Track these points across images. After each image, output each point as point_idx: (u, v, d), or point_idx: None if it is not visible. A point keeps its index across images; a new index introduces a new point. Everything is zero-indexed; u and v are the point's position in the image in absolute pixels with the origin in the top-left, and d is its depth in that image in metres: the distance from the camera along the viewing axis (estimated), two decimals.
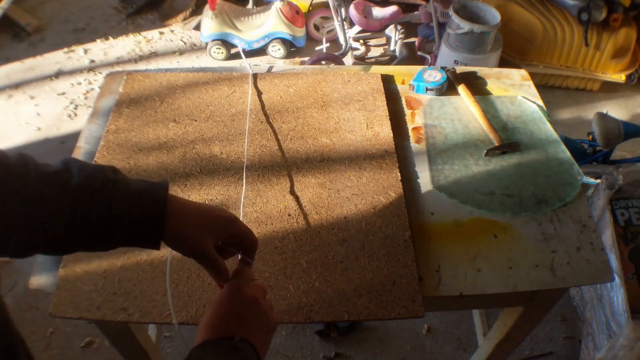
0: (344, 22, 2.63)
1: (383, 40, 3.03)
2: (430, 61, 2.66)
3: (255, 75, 1.25)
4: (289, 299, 0.85)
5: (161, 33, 3.04)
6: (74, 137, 1.34)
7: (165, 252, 0.83)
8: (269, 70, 1.29)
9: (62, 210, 0.52)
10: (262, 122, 1.15)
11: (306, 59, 2.73)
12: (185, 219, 0.59)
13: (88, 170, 0.55)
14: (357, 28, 2.76)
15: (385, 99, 1.21)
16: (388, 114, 1.18)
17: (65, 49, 2.90)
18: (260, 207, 0.98)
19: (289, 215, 0.97)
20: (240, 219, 0.93)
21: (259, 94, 1.21)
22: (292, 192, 1.01)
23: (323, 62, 2.54)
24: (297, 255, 0.91)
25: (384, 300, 0.85)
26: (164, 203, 0.57)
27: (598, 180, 1.33)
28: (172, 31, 3.06)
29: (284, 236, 0.94)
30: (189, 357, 0.54)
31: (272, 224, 0.95)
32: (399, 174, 1.05)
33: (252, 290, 0.63)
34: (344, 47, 2.64)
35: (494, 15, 2.37)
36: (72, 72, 2.76)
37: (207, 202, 0.98)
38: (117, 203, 0.55)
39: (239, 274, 0.65)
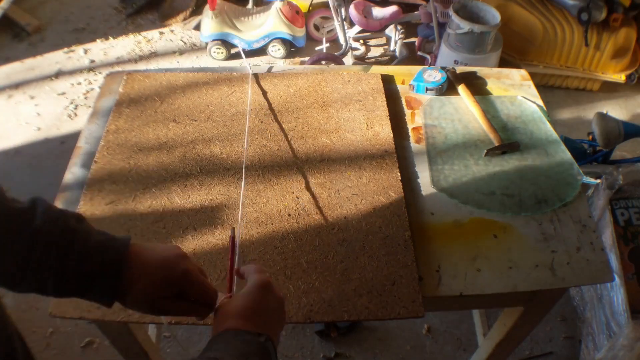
0: (344, 22, 2.63)
1: (383, 40, 3.03)
2: (430, 61, 2.66)
3: (255, 75, 1.25)
4: (289, 299, 0.85)
5: (161, 33, 3.04)
6: (74, 137, 1.34)
7: None
8: (269, 70, 1.29)
9: (18, 250, 0.52)
10: (262, 122, 1.15)
11: (306, 59, 2.73)
12: (142, 281, 0.56)
13: (51, 215, 0.54)
14: (357, 28, 2.75)
15: (385, 99, 1.21)
16: (388, 114, 1.18)
17: (65, 49, 2.89)
18: (260, 207, 0.98)
19: (289, 215, 0.97)
20: (239, 221, 0.94)
21: (259, 94, 1.21)
22: (292, 192, 1.01)
23: (323, 62, 2.53)
24: (297, 255, 0.91)
25: (384, 300, 0.85)
26: (120, 263, 0.55)
27: (598, 180, 1.33)
28: (172, 31, 3.06)
29: (284, 236, 0.94)
30: (213, 340, 0.54)
31: (272, 224, 0.95)
32: (399, 174, 1.05)
33: (279, 289, 0.62)
34: (344, 47, 2.64)
35: (494, 15, 2.37)
36: (72, 72, 2.76)
37: (207, 202, 0.98)
38: (72, 255, 0.53)
39: (259, 269, 0.64)
